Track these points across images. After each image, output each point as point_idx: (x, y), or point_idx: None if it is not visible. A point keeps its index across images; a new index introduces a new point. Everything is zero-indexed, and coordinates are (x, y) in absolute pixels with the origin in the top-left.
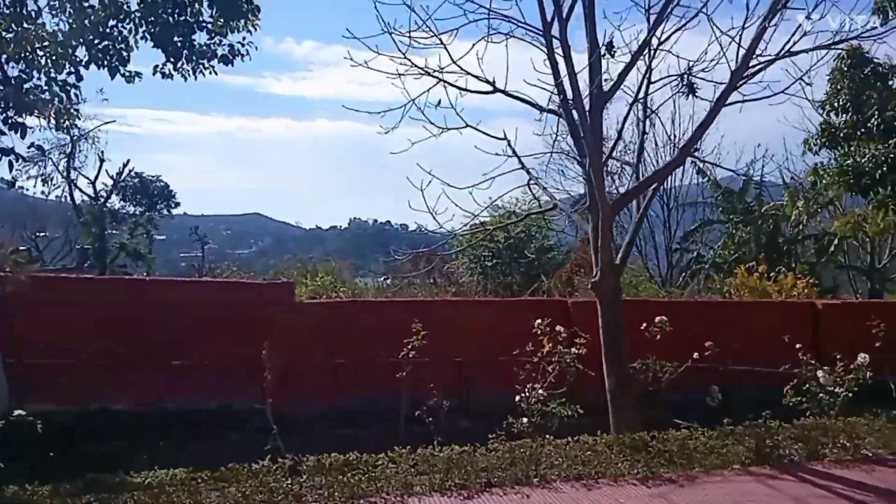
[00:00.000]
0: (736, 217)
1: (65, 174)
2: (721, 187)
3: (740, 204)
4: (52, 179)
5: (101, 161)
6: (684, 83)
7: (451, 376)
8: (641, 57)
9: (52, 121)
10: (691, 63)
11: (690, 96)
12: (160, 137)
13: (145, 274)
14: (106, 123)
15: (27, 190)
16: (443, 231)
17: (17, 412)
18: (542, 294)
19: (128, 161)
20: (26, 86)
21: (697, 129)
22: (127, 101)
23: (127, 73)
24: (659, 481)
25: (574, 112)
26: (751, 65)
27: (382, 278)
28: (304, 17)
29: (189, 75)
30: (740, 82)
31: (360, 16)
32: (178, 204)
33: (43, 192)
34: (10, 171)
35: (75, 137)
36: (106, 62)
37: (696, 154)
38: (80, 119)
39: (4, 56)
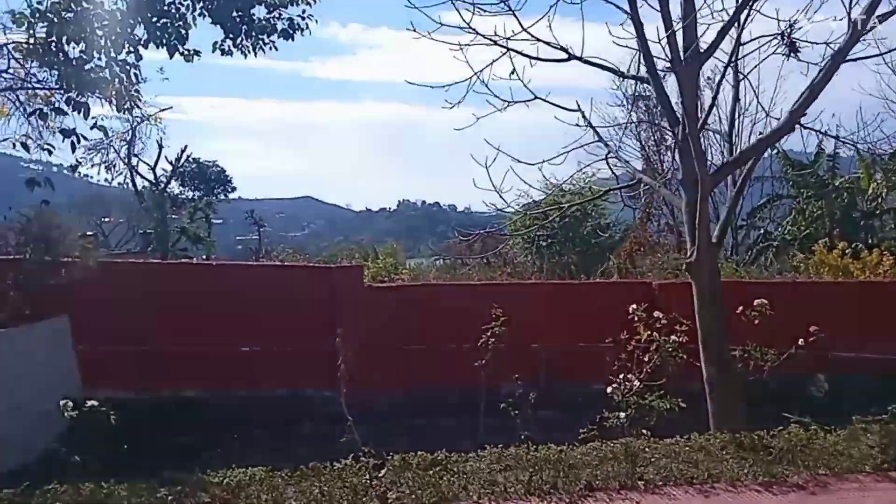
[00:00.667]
0: (807, 191)
1: (126, 161)
2: (791, 160)
3: (812, 178)
4: (114, 166)
5: (161, 147)
6: (784, 42)
7: (528, 363)
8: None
9: (114, 102)
10: (792, 19)
11: (790, 57)
12: (215, 124)
13: (205, 257)
14: (164, 110)
15: (92, 177)
16: (492, 211)
17: (90, 402)
18: (604, 275)
19: (185, 147)
20: (87, 66)
21: (808, 91)
22: (183, 89)
23: (186, 52)
24: (785, 487)
25: (661, 77)
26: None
27: (433, 259)
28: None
29: (248, 51)
30: (860, 36)
31: None
32: (234, 189)
33: (106, 180)
34: (73, 151)
35: (135, 124)
36: (164, 40)
37: (802, 121)
38: (141, 100)
39: (65, 37)
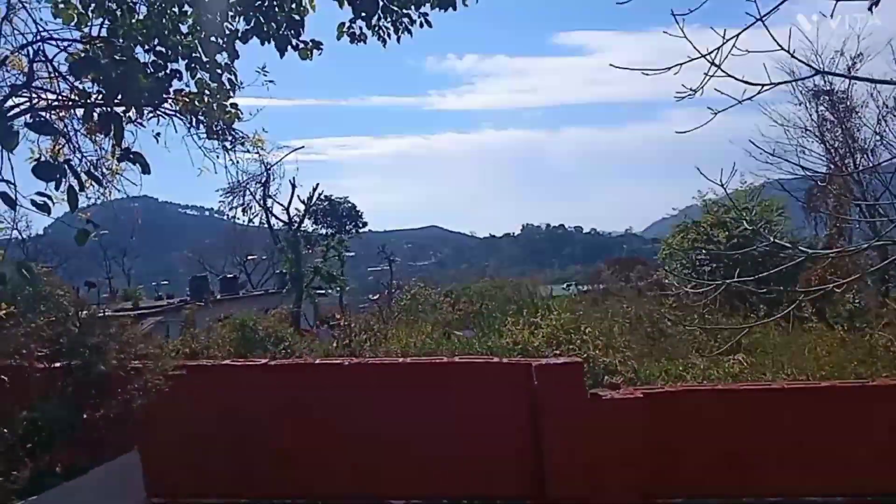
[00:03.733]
0: None
1: (261, 202)
2: None
3: None
4: (251, 208)
5: (293, 187)
6: None
7: None
8: None
9: (202, 121)
10: None
11: None
12: (344, 161)
13: (339, 295)
14: (296, 150)
15: (237, 218)
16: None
17: None
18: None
19: (317, 185)
20: (161, 74)
21: None
22: (312, 131)
23: (301, 45)
24: None
25: None
26: None
27: (565, 285)
28: (465, 31)
29: (388, 34)
30: None
31: (523, 23)
32: (364, 224)
33: (250, 221)
34: (145, 172)
35: (269, 167)
36: (274, 31)
37: None
38: (233, 113)
39: (135, 36)
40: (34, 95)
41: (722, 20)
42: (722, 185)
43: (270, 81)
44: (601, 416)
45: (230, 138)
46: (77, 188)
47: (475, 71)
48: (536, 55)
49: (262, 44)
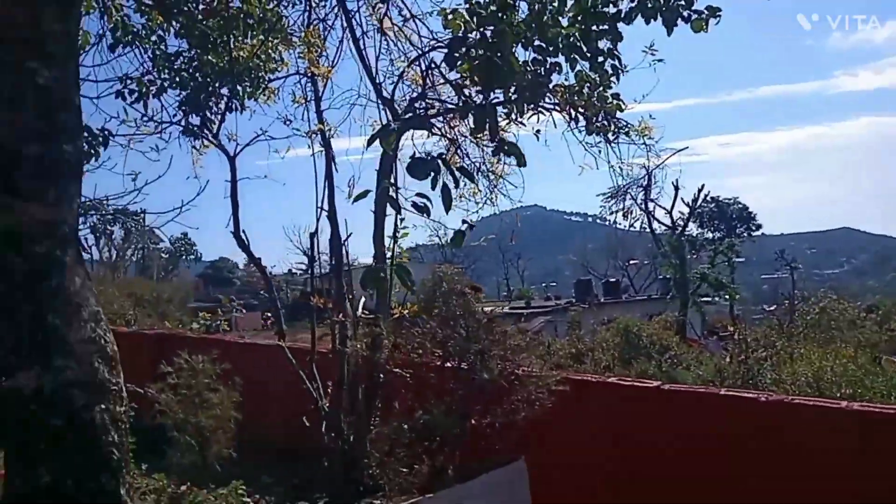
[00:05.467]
0: None
1: (642, 206)
2: None
3: None
4: (631, 212)
5: (676, 190)
6: None
7: None
8: None
9: (578, 117)
10: None
11: None
12: (728, 161)
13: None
14: (678, 151)
15: (617, 223)
16: None
17: None
18: None
19: (702, 186)
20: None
21: None
22: (692, 132)
23: (694, 16)
24: None
25: None
26: None
27: None
28: None
29: None
30: None
31: None
32: (758, 226)
33: (632, 225)
34: (520, 165)
35: (650, 170)
36: (658, 6)
37: None
38: (615, 103)
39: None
40: (428, 104)
41: None
42: None
43: (659, 61)
44: None
45: (613, 129)
46: (452, 185)
47: None
48: None
49: (647, 22)
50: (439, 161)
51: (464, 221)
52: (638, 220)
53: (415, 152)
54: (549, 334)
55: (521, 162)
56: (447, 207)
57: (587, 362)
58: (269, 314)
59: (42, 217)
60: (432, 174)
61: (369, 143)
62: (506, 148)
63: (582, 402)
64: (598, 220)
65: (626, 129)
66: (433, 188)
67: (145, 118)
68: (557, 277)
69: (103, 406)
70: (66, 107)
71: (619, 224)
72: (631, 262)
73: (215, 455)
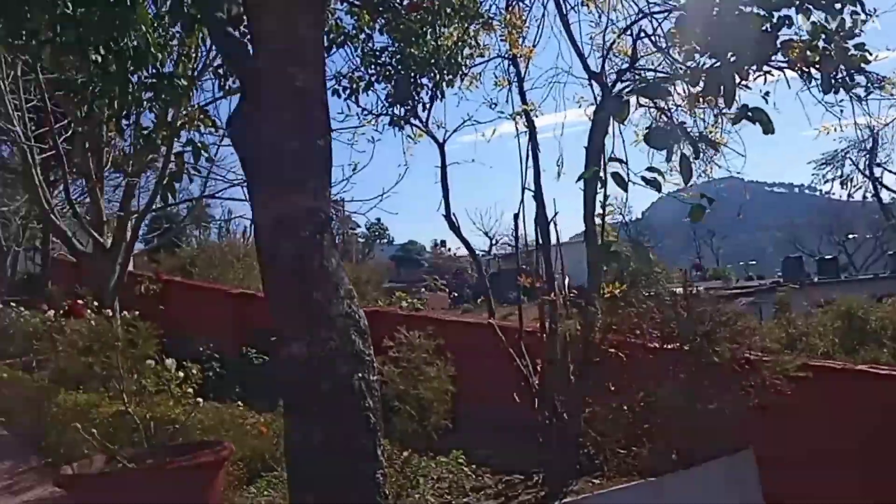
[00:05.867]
0: None
1: (866, 172)
2: None
3: None
4: (851, 180)
5: None
6: None
7: None
8: None
9: (805, 72)
10: None
11: None
12: None
13: None
14: None
15: (832, 193)
16: None
17: None
18: None
19: None
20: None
21: None
22: None
23: None
24: None
25: None
26: None
27: None
28: None
29: None
30: None
31: None
32: None
33: (849, 195)
34: (767, 132)
35: (876, 130)
36: None
37: None
38: (859, 56)
39: None
40: (637, 75)
41: None
42: None
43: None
44: None
45: (860, 84)
46: (691, 156)
47: None
48: None
49: None
50: (680, 130)
51: (702, 195)
52: (859, 188)
53: (652, 122)
54: (753, 317)
55: (769, 129)
56: (686, 179)
57: (799, 348)
58: (455, 293)
59: (305, 204)
60: (672, 144)
61: (646, 140)
62: (749, 114)
63: (822, 391)
64: (806, 191)
65: (880, 84)
66: (668, 160)
67: (365, 111)
68: (758, 256)
69: (360, 374)
70: (317, 105)
71: (835, 194)
72: (850, 236)
73: (434, 425)
